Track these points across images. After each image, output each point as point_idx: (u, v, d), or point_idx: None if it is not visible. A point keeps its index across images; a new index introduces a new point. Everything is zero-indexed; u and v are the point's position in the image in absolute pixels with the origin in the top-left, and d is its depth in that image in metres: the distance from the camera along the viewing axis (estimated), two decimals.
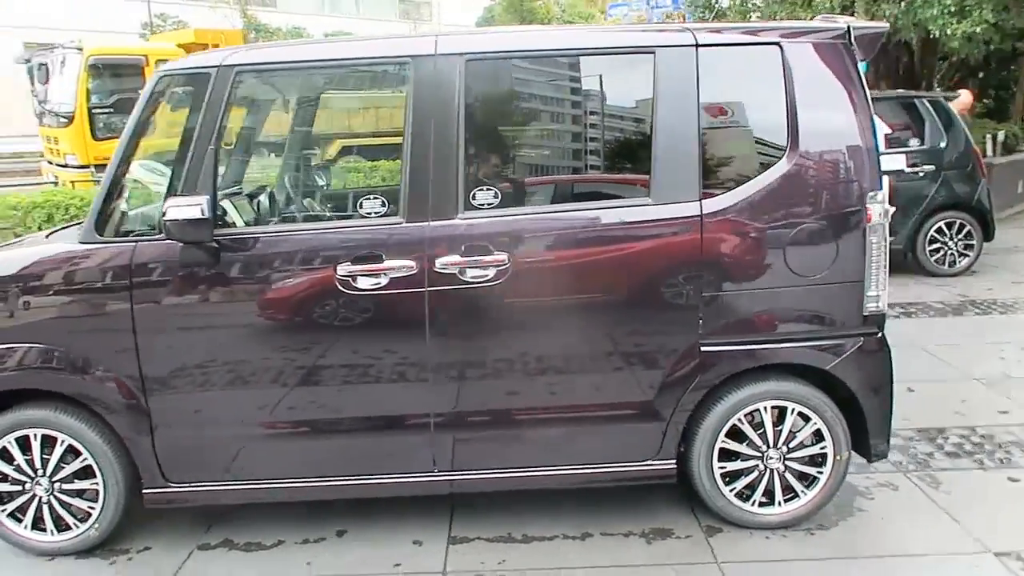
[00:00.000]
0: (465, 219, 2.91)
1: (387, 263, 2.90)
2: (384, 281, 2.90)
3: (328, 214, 3.47)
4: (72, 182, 11.48)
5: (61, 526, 3.14)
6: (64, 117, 11.94)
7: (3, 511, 3.13)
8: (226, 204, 3.41)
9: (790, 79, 2.93)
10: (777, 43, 2.94)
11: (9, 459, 3.07)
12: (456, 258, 2.89)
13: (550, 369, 3.02)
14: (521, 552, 3.12)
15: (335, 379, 3.00)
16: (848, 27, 2.97)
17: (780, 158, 2.94)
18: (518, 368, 3.01)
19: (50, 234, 3.57)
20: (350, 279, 2.90)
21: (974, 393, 4.60)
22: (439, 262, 2.89)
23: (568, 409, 3.07)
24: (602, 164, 3.14)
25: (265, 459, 3.10)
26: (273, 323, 2.99)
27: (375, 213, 2.99)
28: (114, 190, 2.95)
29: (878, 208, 2.95)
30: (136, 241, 2.94)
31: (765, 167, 2.95)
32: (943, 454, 3.82)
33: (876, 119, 3.01)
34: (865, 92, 2.95)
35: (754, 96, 3.03)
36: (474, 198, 2.92)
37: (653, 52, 2.92)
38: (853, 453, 3.17)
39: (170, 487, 3.10)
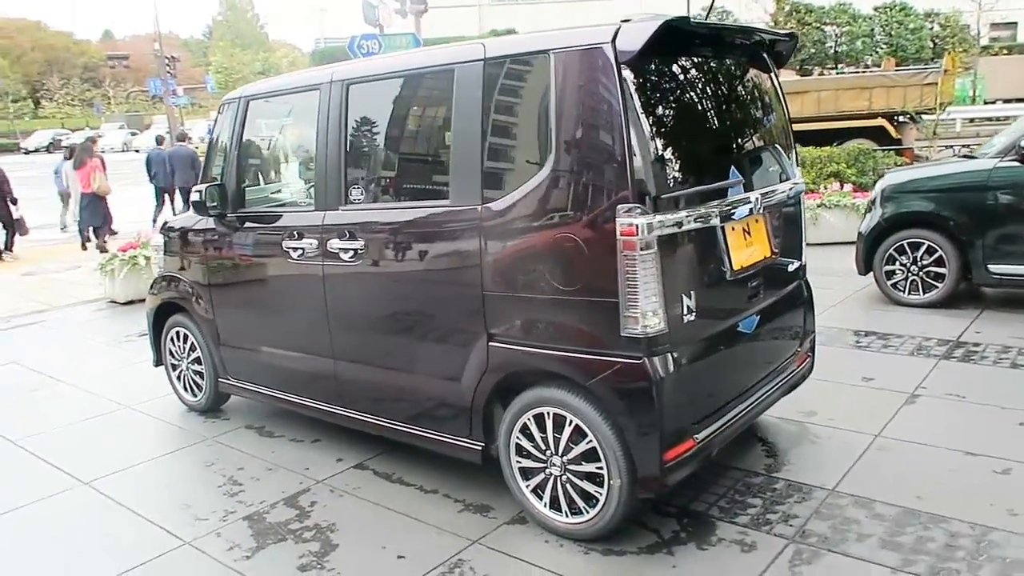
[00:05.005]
0: (344, 211, 3.69)
1: (303, 241, 3.87)
2: (302, 254, 3.88)
3: (294, 203, 4.48)
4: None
5: (194, 393, 4.97)
6: None
7: (175, 375, 5.09)
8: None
9: (554, 87, 2.89)
10: (546, 51, 2.92)
11: (173, 343, 5.00)
12: (337, 241, 3.70)
13: (391, 337, 3.60)
14: (376, 486, 3.79)
15: (286, 321, 4.11)
16: (616, 31, 2.77)
17: (543, 166, 2.95)
18: (370, 333, 3.69)
19: None
20: (289, 250, 3.96)
21: None
22: (329, 243, 3.74)
23: (404, 372, 3.60)
24: (430, 167, 3.51)
25: (258, 372, 4.40)
26: (253, 274, 4.24)
27: (304, 203, 3.99)
28: (204, 182, 4.53)
29: (635, 222, 2.73)
30: (211, 214, 4.48)
31: (531, 175, 2.99)
32: (882, 542, 3.01)
33: None
34: (627, 99, 2.73)
35: (528, 105, 3.05)
36: (350, 195, 3.67)
37: (453, 69, 3.22)
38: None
39: (228, 379, 4.64)
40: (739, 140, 3.38)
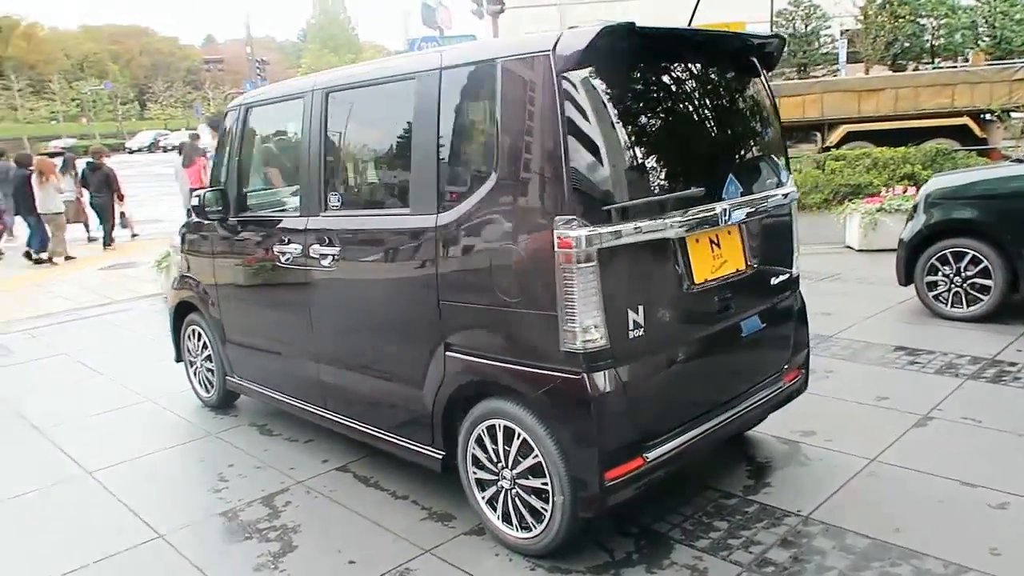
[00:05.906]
0: (323, 217, 3.74)
1: (291, 246, 3.95)
2: (289, 258, 3.96)
3: (285, 208, 4.54)
4: None
5: (207, 389, 5.15)
6: None
7: (192, 371, 5.28)
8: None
9: (500, 96, 2.85)
10: (494, 60, 2.88)
11: (189, 340, 5.20)
12: (317, 246, 3.76)
13: (364, 342, 3.64)
14: (351, 489, 3.83)
15: (278, 323, 4.21)
16: (557, 38, 2.69)
17: (490, 176, 2.91)
18: (346, 337, 3.74)
19: None
20: (279, 254, 4.05)
21: None
22: (311, 248, 3.81)
23: (375, 378, 3.62)
24: (396, 176, 3.51)
25: (257, 372, 4.51)
26: (249, 277, 4.36)
27: (292, 209, 4.07)
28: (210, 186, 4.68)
29: (573, 234, 2.65)
30: (212, 218, 4.61)
31: (480, 185, 2.95)
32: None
33: None
34: (567, 107, 2.66)
35: (478, 114, 3.01)
36: (329, 201, 3.72)
37: (414, 78, 3.21)
38: None
39: (234, 378, 4.79)
40: (706, 149, 3.22)
